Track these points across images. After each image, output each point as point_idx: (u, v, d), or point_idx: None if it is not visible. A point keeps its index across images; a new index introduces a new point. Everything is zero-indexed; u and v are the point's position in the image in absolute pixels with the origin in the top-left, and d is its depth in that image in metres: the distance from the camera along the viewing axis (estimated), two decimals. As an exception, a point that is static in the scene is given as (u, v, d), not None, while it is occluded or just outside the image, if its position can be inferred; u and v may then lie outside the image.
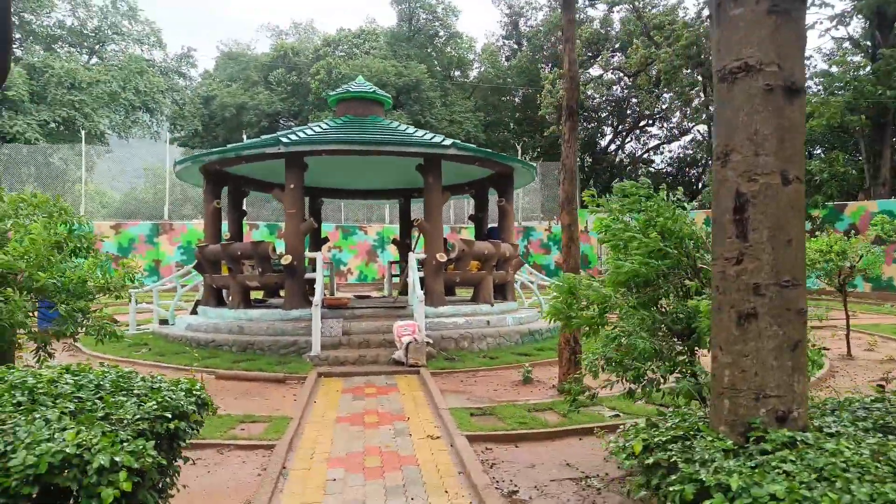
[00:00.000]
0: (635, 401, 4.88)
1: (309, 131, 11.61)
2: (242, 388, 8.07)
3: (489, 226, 14.43)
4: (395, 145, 10.68)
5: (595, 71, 38.12)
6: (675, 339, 4.34)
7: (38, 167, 33.02)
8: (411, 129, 12.28)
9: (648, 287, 4.34)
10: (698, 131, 41.35)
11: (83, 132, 28.87)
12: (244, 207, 14.43)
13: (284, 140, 10.40)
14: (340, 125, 12.28)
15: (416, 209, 17.87)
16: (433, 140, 11.13)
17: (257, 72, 44.00)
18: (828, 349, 9.40)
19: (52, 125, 34.87)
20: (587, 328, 4.59)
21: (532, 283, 13.62)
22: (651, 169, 42.33)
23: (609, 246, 4.68)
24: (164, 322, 12.89)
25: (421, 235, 12.00)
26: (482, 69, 45.98)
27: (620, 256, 4.45)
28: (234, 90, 42.67)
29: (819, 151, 30.83)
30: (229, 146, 11.15)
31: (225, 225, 13.75)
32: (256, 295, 14.51)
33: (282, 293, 12.13)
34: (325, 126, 12.40)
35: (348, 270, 29.20)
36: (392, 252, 28.68)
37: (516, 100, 43.22)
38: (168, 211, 27.66)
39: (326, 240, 16.98)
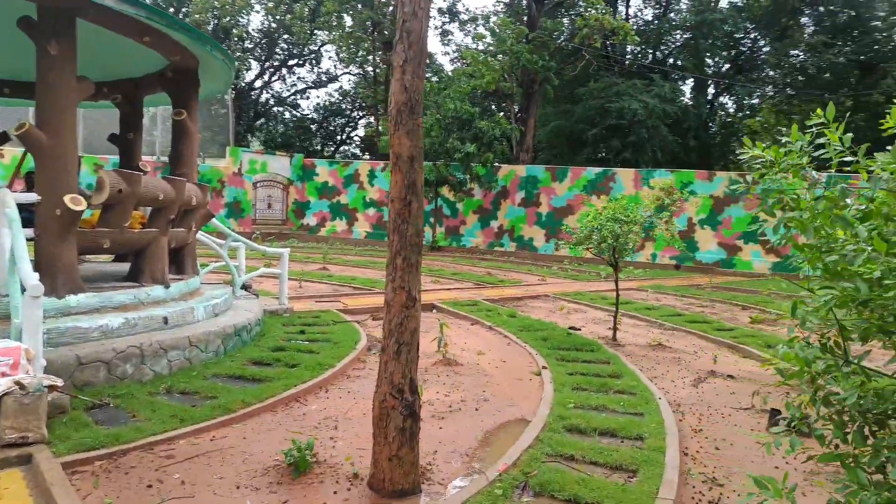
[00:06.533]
0: None
1: None
2: None
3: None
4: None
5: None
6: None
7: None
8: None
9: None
10: (347, 81, 39.56)
11: None
12: None
13: None
14: None
15: (8, 117, 11.10)
16: (60, -29, 5.66)
17: None
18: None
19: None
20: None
21: (223, 243, 8.94)
22: (297, 113, 39.20)
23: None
24: None
25: (31, 157, 6.37)
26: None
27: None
28: None
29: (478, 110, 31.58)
30: None
31: None
32: None
33: None
34: None
35: None
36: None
37: None
38: None
39: None
